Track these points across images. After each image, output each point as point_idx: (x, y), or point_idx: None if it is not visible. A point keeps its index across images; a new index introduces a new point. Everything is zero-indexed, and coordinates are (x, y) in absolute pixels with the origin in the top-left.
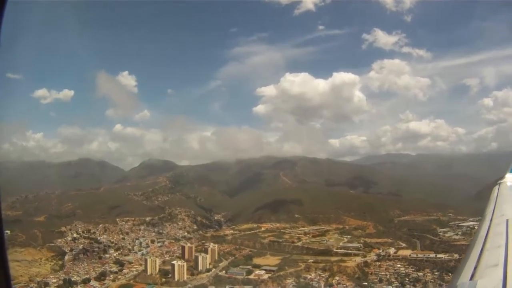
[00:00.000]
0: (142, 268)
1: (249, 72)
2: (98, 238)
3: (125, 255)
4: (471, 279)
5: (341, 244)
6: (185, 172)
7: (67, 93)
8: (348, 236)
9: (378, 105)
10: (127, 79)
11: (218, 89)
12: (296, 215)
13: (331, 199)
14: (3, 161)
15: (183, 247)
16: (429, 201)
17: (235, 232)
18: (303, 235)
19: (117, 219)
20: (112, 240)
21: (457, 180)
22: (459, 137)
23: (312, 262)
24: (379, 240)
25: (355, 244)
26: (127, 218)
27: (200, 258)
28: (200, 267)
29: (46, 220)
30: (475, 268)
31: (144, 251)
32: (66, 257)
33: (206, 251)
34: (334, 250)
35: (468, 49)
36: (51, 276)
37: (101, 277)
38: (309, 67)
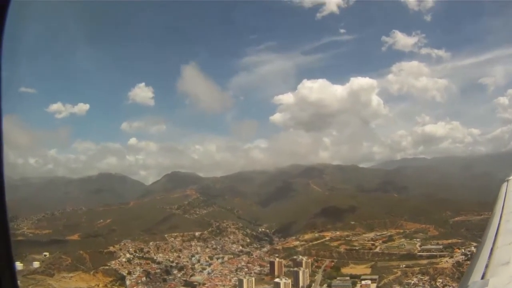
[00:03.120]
0: None
1: (266, 80)
2: (155, 258)
3: (190, 276)
4: (482, 277)
5: (418, 246)
6: (212, 184)
7: (82, 107)
8: (417, 239)
9: (395, 109)
10: (144, 91)
11: (234, 98)
12: (352, 222)
13: (374, 204)
14: (22, 177)
15: (272, 263)
16: (470, 201)
17: (301, 243)
18: (371, 241)
19: (165, 235)
20: (169, 259)
21: (483, 179)
22: (474, 138)
23: (405, 267)
24: (449, 241)
25: (436, 246)
26: (175, 234)
27: (300, 273)
28: (301, 283)
29: (82, 239)
30: (486, 266)
31: (209, 269)
32: (128, 282)
33: (298, 265)
34: (417, 253)
35: (485, 47)
36: None
37: None
38: (327, 72)
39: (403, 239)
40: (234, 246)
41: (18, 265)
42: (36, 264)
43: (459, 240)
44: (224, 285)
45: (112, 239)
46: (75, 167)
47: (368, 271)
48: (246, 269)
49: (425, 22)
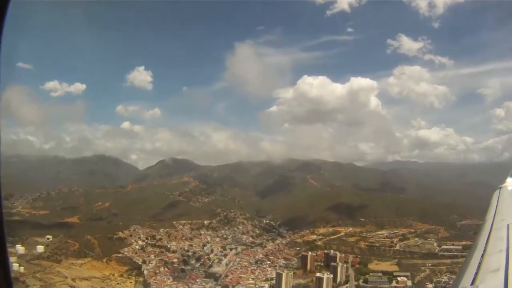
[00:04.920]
0: (248, 282)
1: (266, 74)
2: (168, 246)
3: (209, 266)
4: (472, 283)
5: (436, 246)
6: (208, 172)
7: (78, 87)
8: (432, 240)
9: (392, 112)
10: (143, 74)
11: (231, 90)
12: (362, 219)
13: (379, 203)
14: (15, 154)
15: (304, 256)
16: (471, 206)
17: (319, 237)
18: (387, 239)
19: (174, 223)
20: (184, 248)
21: (477, 187)
22: (467, 146)
23: (431, 266)
24: (463, 242)
25: (455, 247)
26: (183, 221)
27: (339, 268)
28: (338, 278)
29: (84, 222)
30: (476, 273)
31: (226, 260)
32: (146, 272)
33: (334, 260)
34: (439, 253)
35: (487, 58)
36: None
37: None
38: (329, 70)
39: (416, 239)
40: (244, 237)
41: (20, 249)
42: (40, 249)
43: (472, 243)
44: (248, 278)
45: (117, 224)
46: (68, 147)
47: (395, 268)
48: (269, 262)
49: (432, 28)
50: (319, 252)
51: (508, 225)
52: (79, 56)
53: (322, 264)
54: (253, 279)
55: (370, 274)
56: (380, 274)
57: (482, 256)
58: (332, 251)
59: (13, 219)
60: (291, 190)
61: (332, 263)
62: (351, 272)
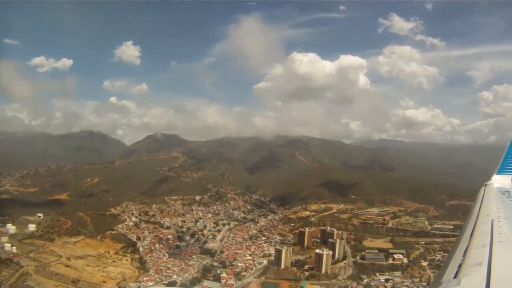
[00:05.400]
0: (245, 258)
1: (256, 49)
2: (162, 222)
3: (203, 243)
4: (455, 277)
5: (428, 225)
6: (197, 147)
7: (65, 62)
8: (422, 218)
9: (380, 91)
10: (131, 49)
11: (220, 65)
12: (352, 196)
13: (369, 181)
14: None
15: (301, 232)
16: (460, 186)
17: (311, 213)
18: (379, 217)
19: (166, 198)
20: (178, 224)
21: (463, 168)
22: (453, 128)
23: (425, 244)
24: (453, 222)
25: (448, 226)
26: (175, 197)
27: (337, 245)
28: (337, 255)
29: (74, 199)
30: (460, 266)
31: (220, 236)
32: (141, 249)
33: (331, 236)
34: (430, 231)
35: (478, 42)
36: (145, 279)
37: (206, 274)
38: (319, 47)
39: (407, 217)
40: (236, 212)
41: (11, 228)
42: (32, 227)
43: (463, 223)
44: (244, 254)
45: (108, 200)
46: (55, 123)
47: (389, 245)
48: (264, 238)
49: (425, 9)
50: (313, 229)
51: (492, 221)
52: (66, 31)
53: (319, 240)
54: (250, 255)
55: (366, 251)
56: (376, 251)
57: (466, 250)
58: (328, 227)
59: (1, 198)
60: (279, 166)
61: (330, 240)
62: (347, 248)
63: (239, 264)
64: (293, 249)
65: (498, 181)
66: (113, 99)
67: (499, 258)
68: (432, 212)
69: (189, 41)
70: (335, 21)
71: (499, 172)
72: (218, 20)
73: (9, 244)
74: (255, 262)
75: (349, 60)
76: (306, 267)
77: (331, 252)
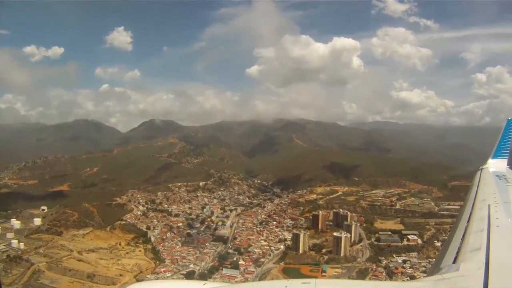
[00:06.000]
0: (261, 244)
1: (247, 32)
2: (169, 210)
3: (214, 229)
4: (454, 262)
5: (434, 205)
6: (192, 133)
7: (56, 51)
8: (427, 200)
9: (374, 72)
10: (122, 35)
11: (212, 50)
12: (356, 179)
13: (369, 163)
14: None
15: (315, 216)
16: (458, 168)
17: (318, 196)
18: (385, 199)
19: (170, 185)
20: (186, 211)
21: (458, 150)
22: (447, 109)
23: (435, 225)
24: (458, 203)
25: (454, 207)
26: (179, 184)
27: (353, 227)
28: (352, 238)
29: (77, 190)
30: (458, 251)
31: (229, 222)
32: (153, 239)
33: (345, 219)
34: (438, 212)
35: (472, 23)
36: (162, 270)
37: (223, 262)
38: (311, 29)
39: (412, 198)
40: (241, 197)
41: (15, 223)
42: (37, 221)
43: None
44: (257, 239)
45: (111, 190)
46: (48, 112)
47: (400, 227)
48: (275, 222)
49: None
50: (324, 212)
51: (489, 206)
52: (56, 19)
53: (331, 223)
54: (264, 240)
55: (380, 232)
56: (390, 233)
57: (464, 235)
58: (341, 210)
59: (1, 192)
60: (277, 150)
61: (345, 223)
62: (361, 231)
63: (255, 250)
64: (308, 232)
65: (493, 165)
66: (105, 87)
67: (497, 243)
68: (436, 194)
69: (180, 26)
70: (328, 3)
71: (495, 156)
72: (210, 4)
73: (16, 240)
74: (272, 248)
75: (342, 42)
76: (324, 250)
77: (349, 235)
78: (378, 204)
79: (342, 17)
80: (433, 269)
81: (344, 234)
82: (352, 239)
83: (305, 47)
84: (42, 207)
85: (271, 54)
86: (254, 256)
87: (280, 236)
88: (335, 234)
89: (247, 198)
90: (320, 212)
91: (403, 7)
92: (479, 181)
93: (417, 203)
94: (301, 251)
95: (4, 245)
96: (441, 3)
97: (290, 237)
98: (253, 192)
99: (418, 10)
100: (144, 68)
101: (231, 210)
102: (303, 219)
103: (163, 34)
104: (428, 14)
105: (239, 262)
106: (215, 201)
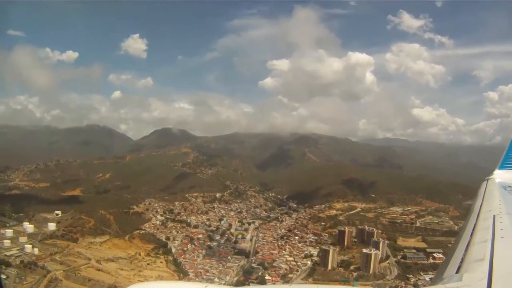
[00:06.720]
0: (286, 259)
1: (261, 44)
2: (188, 221)
3: (234, 242)
4: (457, 272)
5: (453, 224)
6: (205, 143)
7: (70, 55)
8: (446, 218)
9: (387, 88)
10: (138, 43)
11: (226, 60)
12: (372, 195)
13: (384, 179)
14: (6, 125)
15: (341, 232)
16: (471, 187)
17: (338, 212)
18: (403, 216)
19: (187, 195)
20: (205, 222)
21: (470, 169)
22: (458, 128)
23: None
24: None
25: None
26: (195, 194)
27: (380, 244)
28: (380, 254)
29: (91, 195)
30: (462, 261)
31: (249, 236)
32: (173, 250)
33: (371, 236)
34: (459, 231)
35: (487, 40)
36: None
37: (248, 276)
38: (326, 43)
39: (430, 216)
40: (258, 210)
41: (28, 227)
42: (52, 226)
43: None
44: (280, 254)
45: (125, 197)
46: (60, 116)
47: (422, 244)
48: (297, 237)
49: (435, 6)
50: (349, 228)
51: (494, 216)
52: (72, 23)
53: (356, 239)
54: (289, 255)
55: (405, 250)
56: (414, 250)
57: (468, 245)
58: (366, 226)
59: (13, 193)
60: (290, 164)
61: (373, 239)
62: (386, 248)
63: (281, 266)
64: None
65: (500, 176)
66: (117, 93)
67: (501, 253)
68: (452, 212)
69: (196, 35)
70: (343, 17)
71: (501, 167)
72: (226, 15)
73: (30, 245)
74: (299, 263)
75: (356, 57)
76: (352, 267)
77: (379, 252)
78: (399, 221)
79: (358, 32)
80: (436, 279)
81: (374, 251)
82: (380, 256)
83: (319, 61)
84: (56, 212)
85: (284, 67)
86: (280, 272)
87: (306, 252)
88: (364, 250)
89: (264, 212)
90: (346, 228)
91: (418, 23)
92: (484, 192)
93: (437, 221)
94: (329, 267)
95: (17, 249)
96: (456, 19)
97: (316, 253)
98: (270, 205)
99: (433, 26)
100: (157, 76)
101: (249, 223)
102: (326, 234)
103: (178, 43)
104: (443, 30)
105: (265, 277)
106: (232, 213)
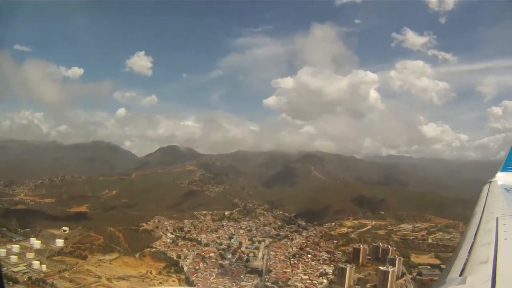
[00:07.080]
0: (301, 278)
1: (266, 63)
2: (199, 239)
3: (246, 261)
4: (460, 275)
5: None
6: (210, 161)
7: (76, 71)
8: (457, 234)
9: (390, 106)
10: (143, 60)
11: (230, 78)
12: (382, 212)
13: (392, 196)
14: (11, 139)
15: (356, 249)
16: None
17: (349, 229)
18: (414, 233)
19: (195, 213)
20: (216, 241)
21: (475, 185)
22: (462, 144)
23: None
24: None
25: None
26: (204, 212)
27: (396, 261)
28: (396, 272)
29: (92, 211)
30: (465, 264)
31: (260, 254)
32: (185, 268)
33: (386, 253)
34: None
35: (490, 56)
36: None
37: None
38: (331, 62)
39: (441, 233)
40: (267, 228)
41: (35, 242)
42: (59, 243)
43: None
44: (294, 273)
45: (133, 214)
46: (65, 132)
47: (435, 261)
48: (309, 255)
49: (439, 23)
50: (364, 245)
51: (497, 218)
52: (77, 40)
53: (370, 257)
54: (304, 274)
55: (419, 267)
56: (429, 267)
57: (471, 248)
58: (380, 244)
59: (18, 208)
60: (296, 182)
61: (389, 256)
62: (402, 265)
63: (297, 284)
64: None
65: (502, 178)
66: (122, 110)
67: (505, 256)
68: (462, 228)
69: (201, 53)
70: (348, 35)
71: (503, 169)
72: (230, 34)
73: (38, 262)
74: (314, 282)
75: (360, 75)
76: (368, 285)
77: (395, 269)
78: (410, 238)
79: (362, 50)
80: (439, 282)
81: (391, 268)
82: (396, 273)
83: (323, 79)
84: (64, 228)
85: (289, 85)
86: None
87: (320, 270)
88: (381, 268)
89: (273, 230)
90: (361, 245)
91: (422, 40)
92: (487, 194)
93: (448, 237)
94: (346, 285)
95: (25, 265)
96: (459, 36)
97: (331, 271)
98: (279, 223)
99: (437, 43)
100: (162, 94)
101: (259, 242)
102: (340, 252)
103: (183, 61)
104: (447, 47)
105: None
106: (241, 231)
